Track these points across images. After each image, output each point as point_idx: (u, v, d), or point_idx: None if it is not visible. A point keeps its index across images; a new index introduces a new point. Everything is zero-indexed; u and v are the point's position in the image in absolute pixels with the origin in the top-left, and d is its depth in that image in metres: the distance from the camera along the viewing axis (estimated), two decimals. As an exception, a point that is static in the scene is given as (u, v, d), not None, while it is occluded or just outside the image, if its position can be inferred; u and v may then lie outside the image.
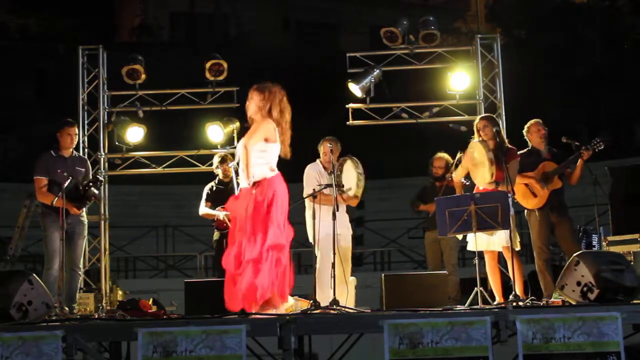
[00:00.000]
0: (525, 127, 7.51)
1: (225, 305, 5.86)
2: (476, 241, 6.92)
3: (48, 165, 7.21)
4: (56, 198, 6.87)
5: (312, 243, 6.85)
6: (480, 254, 6.94)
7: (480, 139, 7.09)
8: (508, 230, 6.54)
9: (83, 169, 7.43)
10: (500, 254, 7.12)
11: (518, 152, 7.19)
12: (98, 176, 7.43)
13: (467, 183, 7.72)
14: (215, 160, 8.71)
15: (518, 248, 6.93)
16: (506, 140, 7.18)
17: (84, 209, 7.38)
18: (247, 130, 6.18)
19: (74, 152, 7.50)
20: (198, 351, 4.83)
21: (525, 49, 20.60)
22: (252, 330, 4.97)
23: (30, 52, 22.64)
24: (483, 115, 7.73)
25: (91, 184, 7.18)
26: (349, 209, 7.63)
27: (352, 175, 7.26)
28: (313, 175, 7.44)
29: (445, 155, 8.58)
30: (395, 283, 6.69)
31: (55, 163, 7.24)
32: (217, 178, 8.66)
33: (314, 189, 7.05)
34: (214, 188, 8.62)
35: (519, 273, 6.93)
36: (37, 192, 7.24)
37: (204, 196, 8.61)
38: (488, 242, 6.97)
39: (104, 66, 9.37)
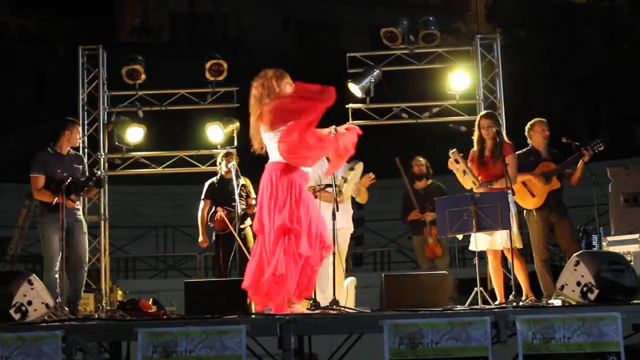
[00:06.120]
0: (529, 124, 7.42)
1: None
2: (476, 241, 6.92)
3: (45, 164, 7.17)
4: (57, 197, 6.85)
5: None
6: (481, 254, 6.93)
7: (455, 150, 6.98)
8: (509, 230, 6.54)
9: (80, 166, 7.41)
10: (502, 254, 7.12)
11: (517, 152, 7.15)
12: (95, 171, 7.42)
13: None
14: (219, 156, 8.65)
15: (520, 246, 6.92)
16: (506, 139, 7.15)
17: (79, 205, 7.36)
18: None
19: (71, 150, 7.48)
20: (198, 351, 4.82)
21: (525, 49, 20.58)
22: (252, 330, 4.97)
23: (30, 52, 22.61)
24: (487, 112, 7.57)
25: (90, 182, 7.18)
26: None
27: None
28: (315, 171, 7.46)
29: (423, 160, 8.87)
30: (395, 283, 6.67)
31: (54, 161, 7.20)
32: (219, 175, 8.60)
33: (313, 189, 7.06)
34: (216, 184, 8.55)
35: (523, 272, 6.92)
36: (33, 191, 7.18)
37: (204, 192, 8.53)
38: (490, 241, 6.96)
39: (104, 66, 9.38)
